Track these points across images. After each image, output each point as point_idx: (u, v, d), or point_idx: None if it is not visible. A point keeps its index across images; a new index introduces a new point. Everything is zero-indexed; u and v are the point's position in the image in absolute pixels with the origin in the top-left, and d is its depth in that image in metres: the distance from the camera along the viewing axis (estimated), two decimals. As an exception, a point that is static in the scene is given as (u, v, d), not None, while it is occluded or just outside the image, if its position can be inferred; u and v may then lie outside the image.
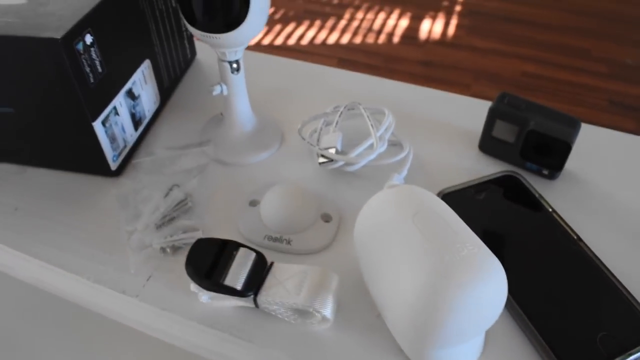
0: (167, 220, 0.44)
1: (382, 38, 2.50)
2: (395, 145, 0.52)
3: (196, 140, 0.52)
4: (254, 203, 0.46)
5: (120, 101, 0.48)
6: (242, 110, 0.50)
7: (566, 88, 2.19)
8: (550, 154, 0.50)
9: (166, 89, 0.57)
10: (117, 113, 0.47)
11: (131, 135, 0.51)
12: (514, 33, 2.52)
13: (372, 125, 0.48)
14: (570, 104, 2.11)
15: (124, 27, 0.47)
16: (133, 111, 0.50)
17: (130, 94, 0.49)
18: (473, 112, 0.57)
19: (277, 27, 2.58)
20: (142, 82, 0.51)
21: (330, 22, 2.60)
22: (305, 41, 2.47)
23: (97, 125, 0.45)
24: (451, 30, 2.56)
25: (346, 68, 2.24)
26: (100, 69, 0.44)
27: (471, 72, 2.29)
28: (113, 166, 0.48)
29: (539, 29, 2.56)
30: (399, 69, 2.30)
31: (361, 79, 0.63)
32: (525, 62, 2.33)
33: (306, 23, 2.60)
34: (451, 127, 0.56)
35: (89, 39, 0.42)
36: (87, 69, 0.42)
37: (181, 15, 0.42)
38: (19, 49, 0.40)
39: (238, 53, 0.45)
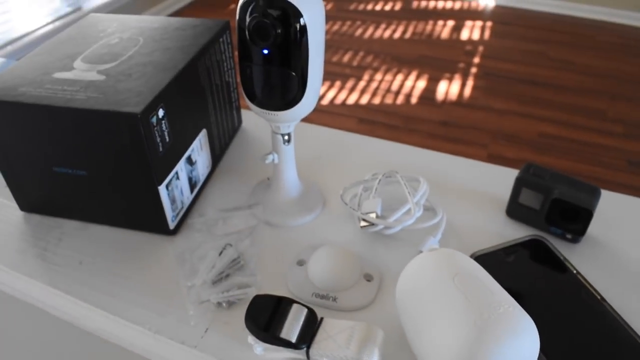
0: (222, 277, 0.48)
1: (400, 99, 2.58)
2: (429, 210, 0.56)
3: (245, 203, 0.57)
4: (301, 262, 0.50)
5: (181, 167, 0.53)
6: (290, 177, 0.55)
7: (584, 148, 2.22)
8: (573, 219, 0.53)
9: (217, 154, 0.63)
10: (177, 177, 0.53)
11: (187, 197, 0.56)
12: (529, 94, 2.59)
13: (409, 192, 0.53)
14: (588, 163, 2.13)
15: (188, 100, 0.53)
16: (190, 175, 0.56)
17: (189, 160, 0.55)
18: (499, 178, 0.62)
19: (300, 87, 2.67)
20: (199, 149, 0.57)
21: (350, 83, 2.70)
22: (325, 101, 2.56)
23: (162, 189, 0.50)
24: (468, 91, 2.64)
25: (366, 128, 2.32)
26: (167, 139, 0.50)
27: (488, 132, 2.34)
28: (171, 225, 0.53)
29: (555, 90, 2.62)
30: (418, 129, 2.37)
31: (394, 147, 0.68)
32: (542, 123, 2.38)
33: (327, 84, 2.70)
34: (480, 193, 0.60)
35: (161, 112, 0.48)
36: (158, 139, 0.48)
37: (243, 93, 0.48)
38: (99, 121, 0.46)
39: (290, 127, 0.51)
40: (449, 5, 3.57)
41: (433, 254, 0.42)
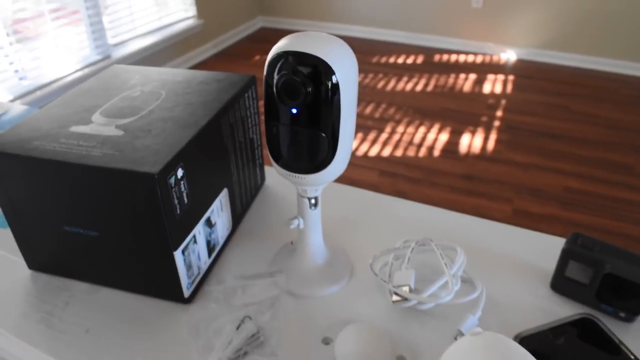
0: (239, 354, 0.44)
1: (422, 151, 2.55)
2: (466, 282, 0.51)
3: (266, 269, 0.53)
4: (326, 340, 0.45)
5: (199, 230, 0.49)
6: (315, 243, 0.51)
7: (612, 204, 2.15)
8: (627, 296, 0.48)
9: (238, 215, 0.59)
10: (195, 241, 0.49)
11: (205, 262, 0.52)
12: (553, 148, 2.55)
13: (445, 264, 0.48)
14: (617, 220, 2.06)
15: (209, 159, 0.50)
16: (209, 238, 0.52)
17: (208, 222, 0.51)
18: (541, 247, 0.57)
19: (321, 137, 2.66)
20: (219, 209, 0.53)
21: (372, 135, 2.69)
22: (348, 152, 2.53)
23: (177, 254, 0.46)
24: (491, 144, 2.60)
25: (387, 180, 2.28)
26: (186, 200, 0.46)
27: (512, 186, 2.29)
28: (186, 293, 0.49)
29: (578, 144, 2.57)
30: (440, 182, 2.33)
31: (426, 210, 0.63)
32: (567, 178, 2.33)
33: (349, 135, 2.68)
34: (520, 263, 0.55)
35: (180, 172, 0.45)
36: (176, 201, 0.44)
37: (269, 155, 0.45)
38: (114, 180, 0.43)
39: (318, 190, 0.47)
40: (470, 59, 3.59)
41: (477, 340, 0.37)
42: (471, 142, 2.62)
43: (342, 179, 2.34)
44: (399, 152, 2.55)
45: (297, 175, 0.44)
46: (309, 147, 0.42)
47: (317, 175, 0.43)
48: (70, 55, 2.72)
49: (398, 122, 2.81)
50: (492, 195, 2.24)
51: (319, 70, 0.38)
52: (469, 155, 2.52)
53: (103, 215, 0.46)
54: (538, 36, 3.46)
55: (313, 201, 0.48)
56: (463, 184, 2.32)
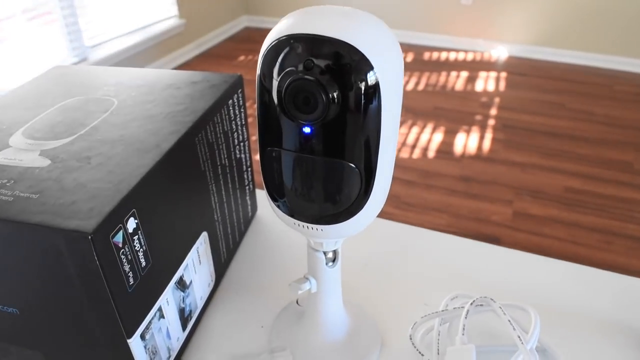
0: None
1: (417, 153, 2.42)
2: (539, 351, 0.37)
3: (264, 345, 0.38)
4: None
5: (167, 298, 0.34)
6: (333, 311, 0.36)
7: (614, 204, 2.06)
8: None
9: (223, 263, 0.44)
10: (162, 315, 0.34)
11: (178, 339, 0.37)
12: (551, 147, 2.44)
13: (519, 336, 0.34)
14: (621, 220, 1.97)
15: (180, 195, 0.35)
16: (182, 305, 0.37)
17: (181, 284, 0.36)
18: (624, 291, 0.43)
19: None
20: (196, 262, 0.38)
21: (364, 137, 2.55)
22: (339, 156, 2.40)
23: (134, 342, 0.31)
24: (487, 144, 2.49)
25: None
26: (144, 262, 0.31)
27: (512, 187, 2.18)
28: (150, 389, 0.34)
29: (577, 142, 2.48)
30: (437, 185, 2.20)
31: (465, 244, 0.49)
32: (568, 177, 2.23)
33: (340, 137, 2.54)
34: (601, 318, 0.41)
35: (132, 224, 0.30)
36: (127, 268, 0.29)
37: (267, 196, 0.30)
38: (29, 239, 0.28)
39: (339, 242, 0.32)
40: (461, 56, 3.47)
41: None
42: (466, 142, 2.50)
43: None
44: (392, 155, 2.41)
45: (309, 225, 0.29)
46: (330, 185, 0.27)
47: (341, 225, 0.28)
48: (44, 58, 2.53)
49: (390, 123, 2.68)
50: (491, 198, 2.12)
51: (349, 63, 0.23)
52: (464, 156, 2.40)
53: (21, 286, 0.31)
54: (529, 32, 3.36)
55: (331, 255, 0.33)
56: (461, 185, 2.20)
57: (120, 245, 0.29)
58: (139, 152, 0.33)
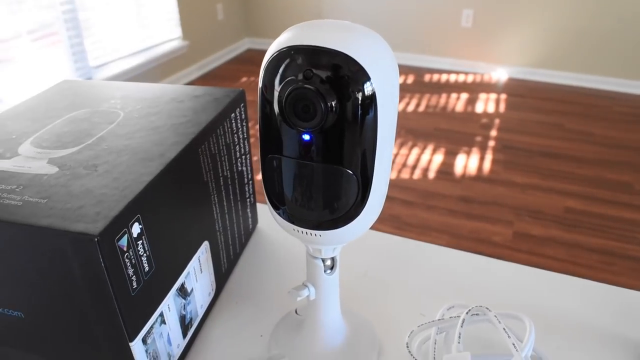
0: None
1: (417, 173, 2.43)
2: (534, 359, 0.38)
3: (263, 354, 0.39)
4: None
5: (169, 304, 0.35)
6: (331, 318, 0.37)
7: (614, 224, 2.06)
8: None
9: (224, 272, 0.45)
10: (163, 321, 0.35)
11: (178, 345, 0.37)
12: (550, 167, 2.46)
13: (514, 344, 0.34)
14: (621, 241, 1.98)
15: (183, 204, 0.36)
16: (183, 312, 0.38)
17: (182, 291, 0.37)
18: (624, 304, 0.43)
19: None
20: (197, 271, 0.39)
21: (364, 157, 2.56)
22: (339, 176, 2.41)
23: (136, 346, 0.32)
24: (487, 165, 2.50)
25: (388, 208, 2.15)
26: (147, 267, 0.32)
27: (512, 208, 2.18)
28: (151, 395, 0.35)
29: (576, 163, 2.49)
30: (437, 205, 2.21)
31: (462, 258, 0.50)
32: (567, 198, 2.23)
33: (340, 157, 2.56)
34: (599, 329, 0.42)
35: (136, 229, 0.30)
36: (130, 272, 0.30)
37: (266, 201, 0.31)
38: (36, 241, 0.29)
39: (337, 249, 0.33)
40: (461, 78, 3.50)
41: None
42: (467, 162, 2.52)
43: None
44: (392, 175, 2.42)
45: (308, 231, 0.30)
46: (330, 191, 0.28)
47: (339, 231, 0.29)
48: (48, 78, 2.56)
49: (390, 143, 2.69)
50: (492, 218, 2.13)
51: (347, 74, 0.25)
52: (465, 177, 2.41)
53: (26, 291, 0.31)
54: (529, 55, 3.40)
55: (329, 263, 0.34)
56: (461, 206, 2.20)
57: (125, 249, 0.29)
58: (144, 161, 0.34)
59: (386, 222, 2.09)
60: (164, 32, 3.31)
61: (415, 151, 2.62)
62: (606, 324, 0.42)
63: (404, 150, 2.62)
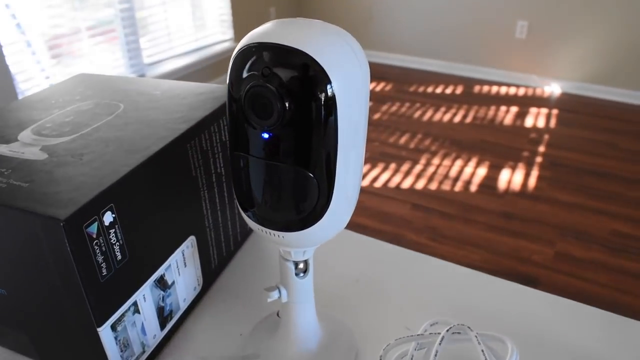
0: None
1: (458, 186, 2.38)
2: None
3: (239, 350, 0.39)
4: None
5: (144, 294, 0.36)
6: (305, 322, 0.36)
7: (665, 252, 1.96)
8: None
9: (214, 269, 0.45)
10: (137, 310, 0.35)
11: (154, 336, 0.38)
12: (599, 188, 2.36)
13: (490, 365, 0.33)
14: (671, 270, 1.87)
15: (166, 198, 0.36)
16: (162, 304, 0.38)
17: (162, 282, 0.37)
18: (621, 333, 0.41)
19: (350, 166, 2.54)
20: (181, 264, 0.40)
21: (405, 166, 2.54)
22: (378, 183, 2.40)
23: (104, 332, 0.32)
24: (532, 181, 2.42)
25: (419, 215, 2.13)
26: (119, 256, 0.32)
27: (555, 227, 2.11)
28: (122, 381, 0.35)
29: (627, 184, 2.38)
30: (477, 220, 2.15)
31: (463, 276, 0.48)
32: (615, 220, 2.14)
33: (381, 165, 2.54)
34: (587, 353, 0.40)
35: (109, 217, 0.31)
36: (100, 258, 0.31)
37: (236, 200, 0.31)
38: (11, 222, 0.30)
39: (308, 252, 0.33)
40: (512, 91, 3.42)
41: None
42: (511, 177, 2.45)
43: (369, 211, 2.19)
44: (433, 186, 2.39)
45: (273, 232, 0.29)
46: (291, 192, 0.28)
47: (303, 233, 0.29)
48: (104, 73, 2.67)
49: (433, 154, 2.66)
50: (533, 236, 2.06)
51: (306, 74, 0.24)
52: (508, 192, 2.34)
53: (7, 270, 0.33)
54: (584, 69, 3.27)
55: (302, 266, 0.33)
56: (501, 222, 2.15)
57: (94, 236, 0.30)
58: (128, 152, 0.34)
59: (422, 233, 2.06)
60: (217, 33, 3.39)
61: (459, 163, 2.57)
62: (601, 354, 0.40)
63: (446, 162, 2.58)
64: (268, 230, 0.30)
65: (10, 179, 0.32)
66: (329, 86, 0.24)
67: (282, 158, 0.26)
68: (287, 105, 0.24)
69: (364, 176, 2.46)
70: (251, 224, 0.31)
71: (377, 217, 2.17)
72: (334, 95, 0.25)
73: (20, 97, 2.26)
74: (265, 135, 0.26)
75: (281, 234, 0.29)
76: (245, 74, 0.25)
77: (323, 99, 0.25)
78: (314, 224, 0.28)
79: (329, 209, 0.28)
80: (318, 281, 0.42)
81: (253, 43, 0.25)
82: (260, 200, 0.29)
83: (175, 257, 0.38)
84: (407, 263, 0.49)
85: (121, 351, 0.34)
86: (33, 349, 0.38)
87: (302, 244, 0.30)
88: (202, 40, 3.29)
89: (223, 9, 3.34)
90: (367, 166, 2.55)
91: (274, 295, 0.34)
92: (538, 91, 3.40)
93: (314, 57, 0.24)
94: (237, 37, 3.47)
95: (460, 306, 0.44)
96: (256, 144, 0.27)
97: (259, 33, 0.26)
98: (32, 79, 2.31)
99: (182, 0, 3.05)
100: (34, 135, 0.38)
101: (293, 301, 0.35)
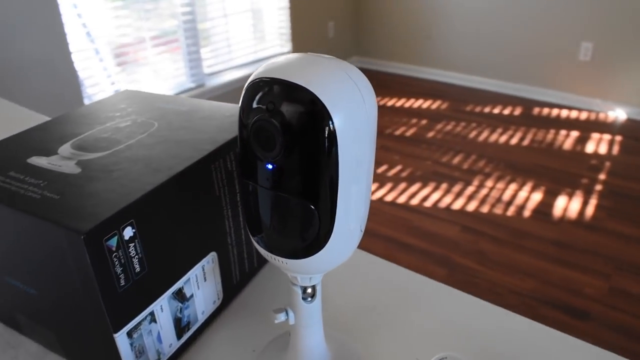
0: None
1: (511, 210, 2.33)
2: None
3: (250, 366, 0.40)
4: None
5: (162, 304, 0.38)
6: (313, 345, 0.37)
7: None
8: None
9: (236, 284, 0.47)
10: (154, 320, 0.37)
11: (170, 344, 0.40)
12: (664, 221, 2.24)
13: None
14: None
15: (189, 215, 0.38)
16: (179, 315, 0.40)
17: (180, 295, 0.39)
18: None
19: (402, 185, 2.53)
20: (200, 279, 0.41)
21: (457, 187, 2.50)
22: (428, 203, 2.37)
23: (120, 338, 0.34)
24: (590, 210, 2.33)
25: (469, 237, 2.09)
26: (138, 268, 0.34)
27: (612, 260, 2.02)
28: (136, 387, 0.37)
29: (695, 219, 2.25)
30: (528, 246, 2.09)
31: (482, 308, 0.48)
32: (678, 257, 2.02)
33: (432, 185, 2.52)
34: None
35: (129, 232, 0.33)
36: (119, 270, 0.33)
37: (246, 226, 0.32)
38: (40, 233, 0.33)
39: (315, 279, 0.34)
40: (573, 114, 3.30)
41: None
42: (567, 205, 2.36)
43: (417, 230, 2.17)
44: (485, 209, 2.34)
45: (278, 258, 0.31)
46: (294, 221, 0.29)
47: (306, 261, 0.30)
48: (166, 81, 2.79)
49: (487, 176, 2.60)
50: (587, 268, 1.98)
51: (308, 110, 0.26)
52: (563, 220, 2.26)
53: (38, 273, 0.35)
54: (653, 95, 3.13)
55: (310, 291, 0.34)
56: (554, 250, 2.07)
57: (114, 249, 0.32)
58: (154, 171, 0.37)
59: (469, 257, 2.02)
60: (275, 45, 3.46)
61: (513, 187, 2.51)
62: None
63: (500, 185, 2.52)
64: (274, 256, 0.31)
65: (45, 190, 0.35)
66: (331, 123, 0.25)
67: (285, 189, 0.28)
68: (289, 139, 0.26)
69: (414, 194, 2.44)
70: (259, 248, 0.32)
71: (424, 237, 2.15)
72: (335, 131, 0.26)
73: (86, 101, 2.39)
74: (269, 166, 0.27)
75: (286, 260, 0.30)
76: (254, 105, 0.27)
77: (324, 134, 0.26)
78: (316, 253, 0.29)
79: (330, 240, 0.29)
80: (335, 304, 0.43)
81: (263, 77, 0.27)
82: (267, 227, 0.30)
83: (195, 271, 0.40)
84: (428, 292, 0.49)
85: (136, 357, 0.36)
86: (59, 346, 0.40)
87: (307, 270, 0.31)
88: (261, 52, 3.37)
89: (283, 22, 3.41)
90: (418, 185, 2.53)
91: (281, 317, 0.35)
92: (601, 116, 3.28)
93: (316, 93, 0.25)
94: (295, 49, 3.53)
95: (476, 343, 0.44)
96: (262, 173, 0.28)
97: (271, 66, 0.27)
98: (98, 84, 2.44)
99: (243, 13, 3.14)
100: (72, 149, 0.41)
101: (300, 324, 0.36)
